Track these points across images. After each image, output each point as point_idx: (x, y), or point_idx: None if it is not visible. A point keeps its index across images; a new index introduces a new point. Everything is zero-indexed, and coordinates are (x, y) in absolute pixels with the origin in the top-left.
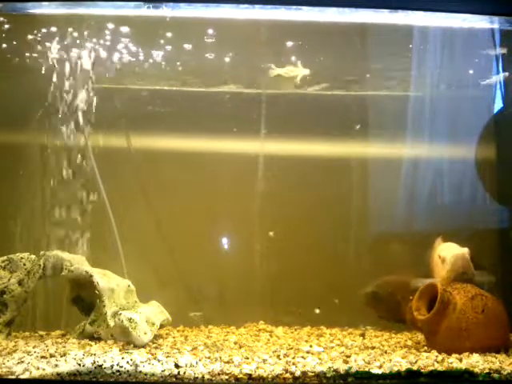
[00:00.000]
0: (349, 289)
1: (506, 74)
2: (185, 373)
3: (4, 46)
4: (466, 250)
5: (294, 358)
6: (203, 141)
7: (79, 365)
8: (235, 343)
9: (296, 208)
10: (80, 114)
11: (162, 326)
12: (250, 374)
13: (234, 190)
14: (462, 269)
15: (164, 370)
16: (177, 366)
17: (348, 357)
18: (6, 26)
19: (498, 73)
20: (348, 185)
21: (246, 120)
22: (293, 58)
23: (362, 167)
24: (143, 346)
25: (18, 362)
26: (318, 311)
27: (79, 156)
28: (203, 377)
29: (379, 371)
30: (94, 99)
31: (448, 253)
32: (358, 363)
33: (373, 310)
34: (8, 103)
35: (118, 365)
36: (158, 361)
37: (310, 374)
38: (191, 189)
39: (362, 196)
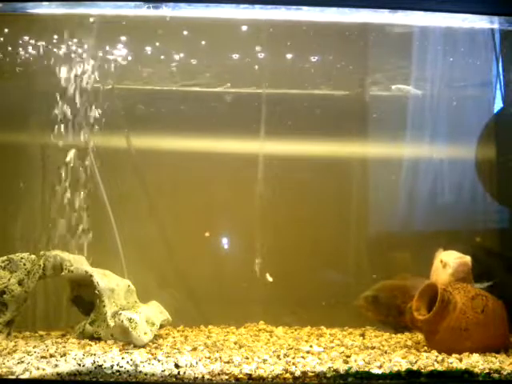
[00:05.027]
0: (349, 289)
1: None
2: (185, 373)
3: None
4: (468, 258)
5: (294, 358)
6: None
7: (79, 365)
8: (235, 343)
9: (297, 208)
10: (83, 115)
11: (161, 326)
12: (250, 374)
13: (235, 190)
14: (463, 274)
15: (164, 370)
16: (177, 366)
17: (348, 357)
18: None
19: (498, 73)
20: (349, 185)
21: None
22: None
23: (362, 167)
24: (143, 346)
25: (18, 362)
26: (269, 278)
27: (80, 156)
28: (203, 377)
29: (379, 371)
30: (99, 99)
31: (450, 258)
32: (357, 363)
33: (372, 314)
34: (10, 104)
35: (118, 365)
36: (158, 361)
37: (310, 373)
38: (192, 189)
39: (363, 197)
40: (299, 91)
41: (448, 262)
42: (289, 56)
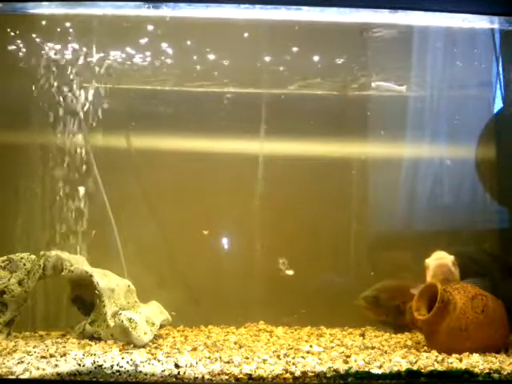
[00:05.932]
0: (349, 289)
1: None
2: (185, 373)
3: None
4: (449, 258)
5: (294, 358)
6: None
7: (79, 365)
8: (235, 343)
9: (297, 208)
10: (82, 115)
11: (162, 326)
12: (250, 374)
13: (235, 190)
14: (442, 275)
15: (164, 370)
16: (177, 366)
17: (348, 357)
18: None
19: (498, 73)
20: (349, 185)
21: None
22: None
23: (362, 167)
24: (143, 346)
25: (18, 362)
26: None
27: (80, 156)
28: (203, 377)
29: (379, 371)
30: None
31: (432, 260)
32: (358, 363)
33: (372, 314)
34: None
35: (118, 365)
36: (158, 361)
37: (310, 373)
38: (192, 189)
39: (363, 197)
40: (299, 91)
41: (429, 265)
42: (288, 55)
